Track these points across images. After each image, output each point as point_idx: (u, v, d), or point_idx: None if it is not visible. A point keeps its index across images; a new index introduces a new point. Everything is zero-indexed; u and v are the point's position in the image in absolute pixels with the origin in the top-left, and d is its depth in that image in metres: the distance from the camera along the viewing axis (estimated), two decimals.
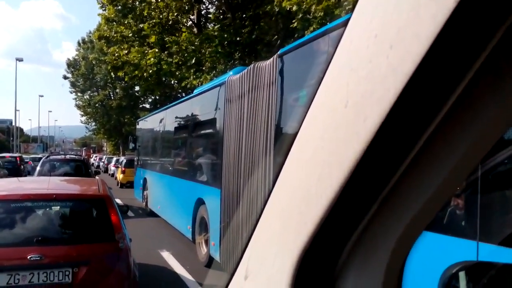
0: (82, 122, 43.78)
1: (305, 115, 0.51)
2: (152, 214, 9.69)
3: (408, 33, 0.35)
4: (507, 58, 0.35)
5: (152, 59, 13.34)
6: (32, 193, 3.55)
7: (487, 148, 0.40)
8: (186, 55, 12.90)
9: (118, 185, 18.23)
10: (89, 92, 40.43)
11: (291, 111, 3.65)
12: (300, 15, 8.41)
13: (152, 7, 14.22)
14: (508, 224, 1.91)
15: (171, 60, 13.27)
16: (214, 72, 12.13)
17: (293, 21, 8.73)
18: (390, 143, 0.40)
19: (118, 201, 5.93)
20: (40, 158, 14.93)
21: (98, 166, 32.60)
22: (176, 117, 8.00)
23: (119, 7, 15.29)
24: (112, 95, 37.41)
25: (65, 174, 9.35)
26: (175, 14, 14.38)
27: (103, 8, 16.38)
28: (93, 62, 34.35)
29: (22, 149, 52.82)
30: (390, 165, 0.41)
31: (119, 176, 18.49)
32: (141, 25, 14.71)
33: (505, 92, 0.36)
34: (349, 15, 0.45)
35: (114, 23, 16.06)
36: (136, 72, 14.18)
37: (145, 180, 10.62)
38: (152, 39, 13.91)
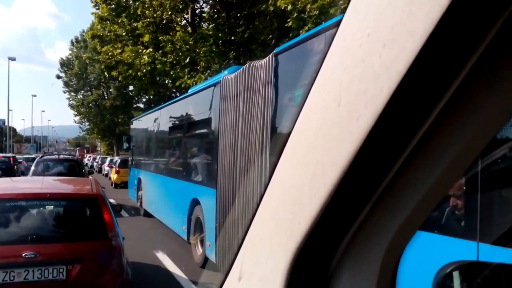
0: (75, 122, 43.52)
1: (299, 115, 0.51)
2: (146, 214, 9.65)
3: (402, 32, 0.34)
4: (501, 57, 0.35)
5: (146, 58, 13.28)
6: (27, 192, 3.66)
7: (480, 147, 0.40)
8: (180, 54, 12.85)
9: (112, 185, 18.13)
10: (82, 91, 40.15)
11: (287, 111, 3.64)
12: (295, 14, 8.41)
13: (146, 5, 14.15)
14: (507, 223, 1.93)
15: (165, 59, 13.21)
16: (208, 71, 12.10)
17: (288, 20, 8.72)
18: (383, 142, 0.40)
19: (111, 201, 5.90)
20: (34, 159, 14.96)
21: (92, 166, 32.36)
22: (171, 117, 7.96)
23: (113, 5, 15.18)
24: (105, 95, 37.18)
25: (59, 174, 9.47)
26: (169, 13, 14.31)
27: (97, 7, 16.26)
28: (87, 62, 34.05)
29: (15, 149, 52.34)
30: (384, 164, 0.41)
31: (113, 176, 18.38)
32: (135, 24, 14.62)
33: (499, 92, 0.36)
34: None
35: (108, 22, 15.95)
36: (130, 71, 14.11)
37: (139, 180, 10.57)
38: (146, 38, 13.84)
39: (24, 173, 18.77)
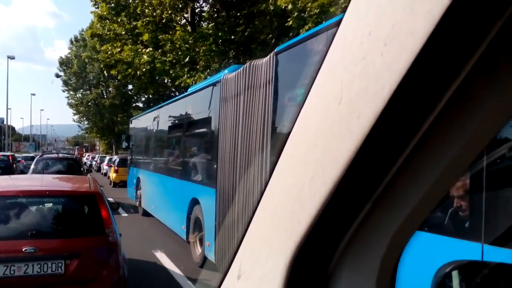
0: (74, 121, 43.42)
1: (299, 113, 0.51)
2: (145, 213, 9.64)
3: (403, 30, 0.34)
4: (502, 56, 0.35)
5: (145, 57, 13.26)
6: (27, 189, 3.78)
7: (481, 147, 0.40)
8: (180, 53, 12.83)
9: (111, 184, 18.11)
10: (81, 90, 40.09)
11: (288, 110, 3.64)
12: (295, 13, 8.39)
13: (146, 4, 14.12)
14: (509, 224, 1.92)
15: (164, 58, 13.19)
16: (208, 70, 12.08)
17: (288, 19, 8.71)
18: (384, 141, 0.40)
19: (109, 199, 5.89)
20: (32, 157, 15.06)
21: (90, 166, 32.23)
22: (170, 116, 7.95)
23: (112, 4, 15.16)
24: (105, 94, 37.13)
25: (58, 172, 9.65)
26: (169, 12, 14.28)
27: (96, 6, 16.23)
28: (86, 60, 34.03)
29: (14, 147, 52.28)
30: (384, 163, 0.41)
31: (112, 175, 18.35)
32: (134, 23, 14.60)
33: (500, 91, 0.36)
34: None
35: (107, 21, 15.93)
36: (129, 70, 14.09)
37: (138, 179, 10.56)
38: (146, 37, 13.82)
39: (23, 171, 18.76)
